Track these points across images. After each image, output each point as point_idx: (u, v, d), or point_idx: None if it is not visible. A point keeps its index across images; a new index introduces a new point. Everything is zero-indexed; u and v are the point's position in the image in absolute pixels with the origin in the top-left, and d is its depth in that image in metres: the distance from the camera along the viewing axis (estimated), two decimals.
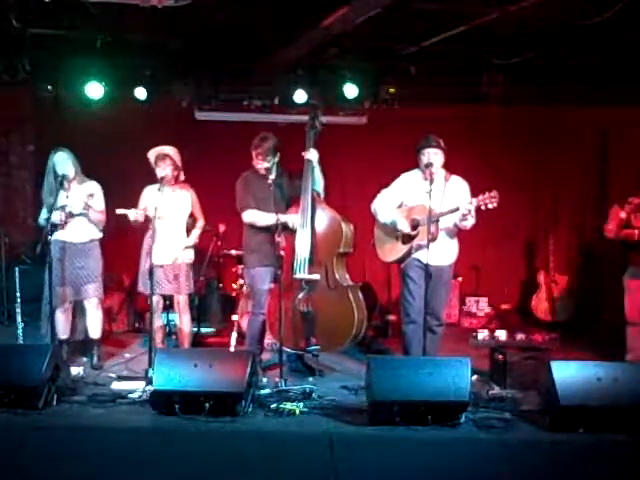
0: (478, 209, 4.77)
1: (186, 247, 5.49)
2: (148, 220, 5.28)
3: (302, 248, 5.10)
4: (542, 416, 4.15)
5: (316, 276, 5.09)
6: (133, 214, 5.25)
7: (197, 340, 6.06)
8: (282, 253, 4.93)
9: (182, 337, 5.59)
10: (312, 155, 5.21)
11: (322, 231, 5.16)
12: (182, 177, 5.54)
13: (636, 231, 5.10)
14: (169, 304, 5.84)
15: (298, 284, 5.10)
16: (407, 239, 5.08)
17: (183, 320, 5.57)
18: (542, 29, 5.75)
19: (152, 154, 5.43)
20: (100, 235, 5.47)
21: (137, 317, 7.02)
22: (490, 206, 4.68)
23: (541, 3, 4.91)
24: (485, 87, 6.83)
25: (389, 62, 6.74)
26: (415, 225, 5.01)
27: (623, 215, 5.14)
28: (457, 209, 4.84)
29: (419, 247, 4.96)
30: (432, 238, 4.87)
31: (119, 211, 5.23)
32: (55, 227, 5.15)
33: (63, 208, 5.23)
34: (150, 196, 5.37)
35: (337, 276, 5.12)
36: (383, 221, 5.19)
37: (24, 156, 7.59)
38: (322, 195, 5.29)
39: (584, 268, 7.63)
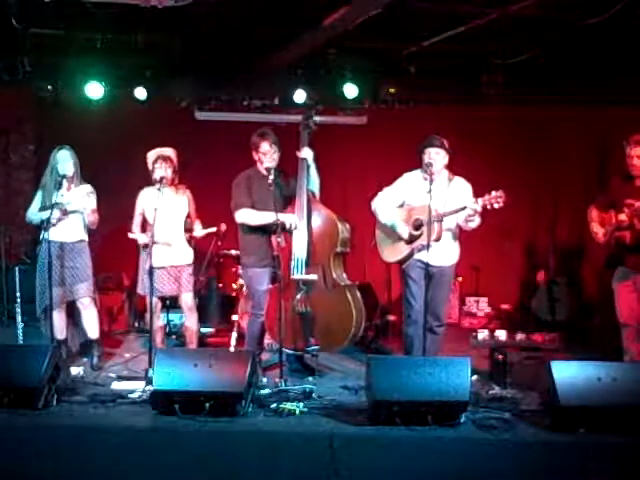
0: (484, 209, 4.76)
1: (200, 236, 5.55)
2: (145, 224, 5.29)
3: (298, 248, 5.09)
4: (542, 416, 4.15)
5: (313, 276, 5.08)
6: (143, 239, 5.27)
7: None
8: (276, 253, 4.91)
9: (190, 336, 5.58)
10: (307, 154, 5.18)
11: (318, 231, 5.14)
12: (176, 181, 5.53)
13: (628, 234, 5.09)
14: (169, 304, 5.83)
15: (295, 285, 5.09)
16: (410, 239, 5.07)
17: (190, 319, 5.56)
18: (542, 29, 5.75)
19: (152, 155, 5.43)
20: (87, 237, 5.47)
21: (137, 317, 7.01)
22: (496, 206, 4.66)
23: (541, 3, 4.91)
24: (485, 87, 6.83)
25: (389, 62, 6.74)
26: (418, 225, 5.00)
27: (624, 217, 5.11)
28: (464, 208, 4.83)
29: (422, 247, 4.93)
30: (437, 238, 4.86)
31: (131, 235, 5.32)
32: (49, 223, 5.12)
33: (58, 206, 5.22)
34: (147, 198, 5.37)
35: (335, 276, 5.10)
36: (383, 222, 5.18)
37: (24, 156, 7.58)
38: (317, 195, 5.27)
39: (584, 268, 7.62)
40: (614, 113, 7.00)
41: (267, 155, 5.19)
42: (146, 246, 5.20)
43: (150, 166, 5.41)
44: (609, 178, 5.66)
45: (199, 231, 5.55)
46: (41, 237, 5.10)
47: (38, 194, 5.41)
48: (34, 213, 5.35)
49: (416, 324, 5.02)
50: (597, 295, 7.02)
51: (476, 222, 4.92)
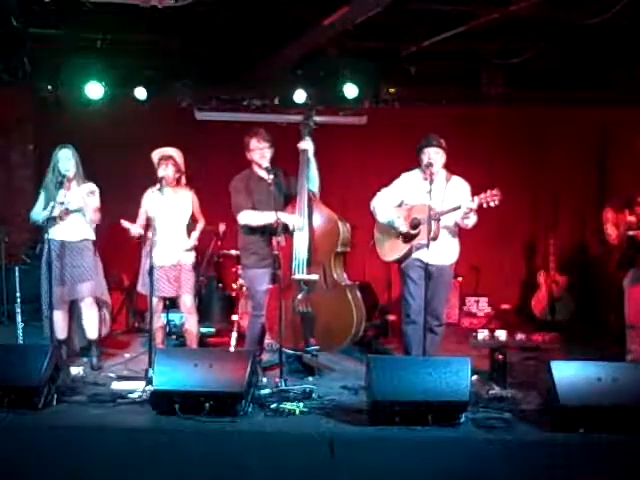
0: (480, 207, 4.76)
1: (186, 250, 5.47)
2: (149, 224, 5.30)
3: (300, 248, 5.09)
4: (542, 416, 4.14)
5: (314, 276, 5.07)
6: (135, 230, 5.27)
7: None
8: (276, 253, 4.90)
9: (190, 338, 5.57)
10: (307, 145, 5.15)
11: (319, 231, 5.14)
12: (183, 181, 5.53)
13: None
14: (170, 304, 5.84)
15: (296, 284, 5.09)
16: (408, 238, 5.08)
17: (190, 321, 5.55)
18: (542, 29, 5.75)
19: (156, 154, 5.44)
20: (93, 236, 5.46)
21: (137, 317, 7.02)
22: (492, 204, 4.66)
23: (541, 3, 4.92)
24: (485, 87, 6.84)
25: (389, 62, 6.75)
26: (416, 224, 5.01)
27: (632, 218, 5.07)
28: (459, 207, 4.83)
29: (420, 246, 4.95)
30: (434, 237, 4.86)
31: (124, 223, 5.26)
32: (52, 221, 5.13)
33: (61, 204, 5.22)
34: (150, 199, 5.36)
35: (335, 276, 5.10)
36: (381, 221, 5.18)
37: (24, 156, 7.59)
38: (317, 194, 5.25)
39: (584, 268, 7.62)
40: (614, 113, 7.00)
41: (255, 151, 5.16)
42: (139, 239, 5.18)
43: (155, 166, 5.42)
44: (615, 178, 5.64)
45: (192, 239, 5.48)
46: (45, 236, 5.11)
47: (41, 194, 5.41)
48: (37, 213, 5.34)
49: (415, 323, 5.03)
50: (599, 295, 7.03)
51: (472, 220, 4.93)
